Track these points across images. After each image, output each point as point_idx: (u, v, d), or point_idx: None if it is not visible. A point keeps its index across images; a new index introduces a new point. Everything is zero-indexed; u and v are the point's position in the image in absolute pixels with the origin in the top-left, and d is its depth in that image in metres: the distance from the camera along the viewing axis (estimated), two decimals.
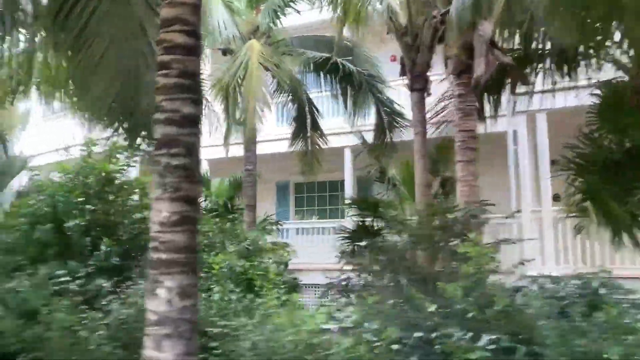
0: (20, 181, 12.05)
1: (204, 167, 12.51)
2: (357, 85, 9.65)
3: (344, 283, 7.79)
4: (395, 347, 3.47)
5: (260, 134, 11.01)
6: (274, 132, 12.91)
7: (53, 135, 15.36)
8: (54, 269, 5.67)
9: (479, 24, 5.30)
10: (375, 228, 10.53)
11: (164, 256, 2.79)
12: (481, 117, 6.18)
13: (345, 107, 10.13)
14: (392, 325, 3.80)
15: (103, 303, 4.91)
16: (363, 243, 10.67)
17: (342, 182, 15.10)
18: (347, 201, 11.92)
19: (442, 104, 9.31)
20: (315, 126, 12.04)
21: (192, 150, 2.88)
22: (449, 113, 9.56)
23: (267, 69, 9.38)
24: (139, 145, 5.33)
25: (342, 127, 13.74)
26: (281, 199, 16.21)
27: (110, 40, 4.16)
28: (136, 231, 6.57)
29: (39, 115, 14.12)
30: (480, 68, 5.30)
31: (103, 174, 6.51)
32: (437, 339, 3.73)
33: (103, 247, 6.15)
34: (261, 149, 11.77)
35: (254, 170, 10.72)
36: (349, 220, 13.44)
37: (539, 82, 7.07)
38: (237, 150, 11.22)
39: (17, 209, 6.58)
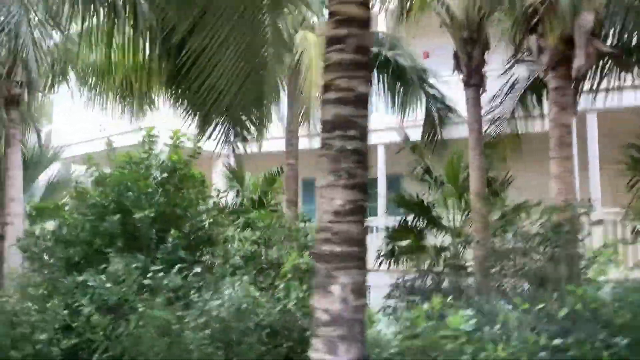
0: (51, 172, 11.76)
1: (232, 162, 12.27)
2: (407, 80, 9.39)
3: (408, 284, 7.57)
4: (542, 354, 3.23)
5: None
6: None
7: (84, 125, 15.03)
8: (125, 262, 5.41)
9: (580, 13, 5.07)
10: (419, 227, 10.34)
11: (337, 249, 2.52)
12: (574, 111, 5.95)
13: (393, 103, 9.85)
14: (523, 330, 3.57)
15: (194, 299, 4.61)
16: (404, 243, 10.53)
17: (373, 180, 14.89)
18: (388, 199, 11.70)
19: (498, 100, 9.07)
20: None
21: (364, 134, 2.62)
22: (502, 110, 9.37)
23: None
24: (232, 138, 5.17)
25: (374, 124, 13.55)
26: (307, 196, 15.93)
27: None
28: (200, 224, 6.31)
29: (66, 105, 13.81)
30: (580, 59, 5.07)
31: (168, 165, 6.24)
32: (572, 345, 3.51)
33: (170, 240, 5.89)
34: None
35: (296, 164, 10.45)
36: (382, 219, 13.26)
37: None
38: (268, 146, 10.96)
39: (76, 199, 6.30)
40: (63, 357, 4.62)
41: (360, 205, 2.58)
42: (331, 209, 2.55)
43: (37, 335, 4.60)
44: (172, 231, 5.91)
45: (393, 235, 10.51)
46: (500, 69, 8.84)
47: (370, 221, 14.02)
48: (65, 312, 5.01)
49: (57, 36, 8.91)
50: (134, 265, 5.08)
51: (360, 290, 2.53)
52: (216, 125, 5.68)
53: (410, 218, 10.28)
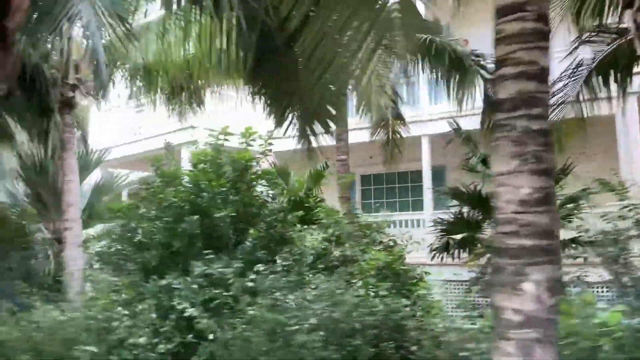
0: (96, 175, 11.65)
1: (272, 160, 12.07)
2: (464, 67, 9.07)
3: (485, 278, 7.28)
4: None
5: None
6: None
7: (113, 128, 14.99)
8: (210, 264, 5.22)
9: None
10: (475, 219, 10.01)
11: (527, 242, 2.26)
12: None
13: (448, 91, 9.53)
14: None
15: (289, 300, 4.39)
16: (459, 236, 10.21)
17: (414, 173, 14.59)
18: (436, 190, 11.40)
19: (561, 83, 8.69)
20: (398, 114, 11.57)
21: (547, 113, 2.36)
22: (566, 94, 8.99)
23: None
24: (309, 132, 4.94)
25: (417, 115, 13.25)
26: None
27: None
28: (274, 223, 6.10)
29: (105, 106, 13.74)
30: None
31: (242, 163, 6.03)
32: None
33: (249, 240, 5.69)
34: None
35: (347, 160, 10.21)
36: (429, 213, 12.95)
37: None
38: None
39: (147, 201, 6.12)
40: None
41: (549, 192, 2.31)
42: (517, 198, 2.29)
43: (132, 339, 4.43)
44: (252, 230, 5.71)
45: (447, 228, 10.20)
46: (562, 52, 8.50)
47: (416, 215, 13.77)
48: (153, 315, 4.84)
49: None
50: (233, 267, 4.87)
51: (554, 288, 2.26)
52: (292, 119, 5.47)
53: (465, 210, 9.96)
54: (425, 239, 9.49)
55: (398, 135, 11.65)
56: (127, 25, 5.87)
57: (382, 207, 15.61)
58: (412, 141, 12.47)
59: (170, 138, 13.13)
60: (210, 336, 4.09)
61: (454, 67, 9.18)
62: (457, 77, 9.28)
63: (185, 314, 4.35)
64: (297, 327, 3.79)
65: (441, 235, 9.98)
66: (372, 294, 5.04)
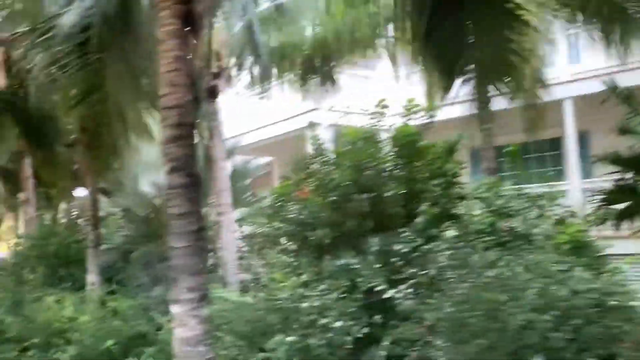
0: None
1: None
2: (627, 17, 8.01)
3: None
4: None
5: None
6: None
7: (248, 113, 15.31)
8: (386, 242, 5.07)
9: None
10: None
11: None
12: None
13: (607, 45, 8.50)
14: None
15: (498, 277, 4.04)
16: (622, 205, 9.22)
17: (552, 140, 13.47)
18: (596, 158, 10.39)
19: None
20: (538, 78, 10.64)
21: None
22: None
23: None
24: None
25: (558, 76, 12.13)
26: (475, 165, 14.94)
27: None
28: (440, 198, 5.78)
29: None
30: None
31: (403, 137, 5.77)
32: None
33: (419, 218, 5.43)
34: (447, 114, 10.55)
35: (491, 130, 9.56)
36: (577, 181, 11.91)
37: None
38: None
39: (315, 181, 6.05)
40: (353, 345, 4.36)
41: None
42: None
43: (323, 320, 4.39)
44: (423, 207, 5.46)
45: (608, 197, 9.24)
46: None
47: (560, 185, 12.71)
48: (336, 296, 4.77)
49: None
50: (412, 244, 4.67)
51: None
52: (463, 82, 5.08)
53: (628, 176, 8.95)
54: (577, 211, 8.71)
55: (539, 100, 10.77)
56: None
57: (543, 175, 14.35)
58: (555, 105, 11.46)
59: (297, 123, 13.26)
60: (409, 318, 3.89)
61: (614, 18, 8.15)
62: (619, 28, 8.23)
63: (379, 294, 4.19)
64: (516, 307, 3.46)
65: (602, 205, 9.11)
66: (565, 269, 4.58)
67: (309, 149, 6.74)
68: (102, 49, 5.25)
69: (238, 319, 4.83)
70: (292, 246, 5.86)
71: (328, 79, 9.29)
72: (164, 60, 3.86)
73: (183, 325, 3.67)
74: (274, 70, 9.86)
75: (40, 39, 5.30)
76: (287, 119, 13.69)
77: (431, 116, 6.00)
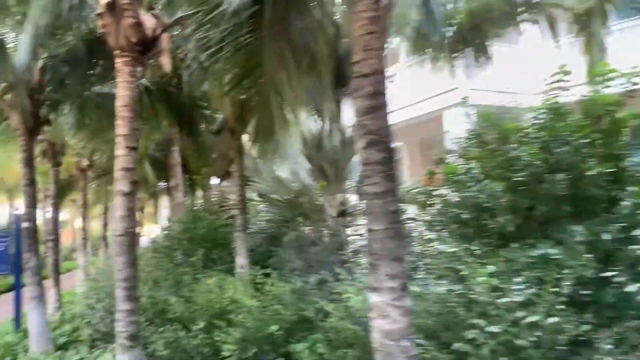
0: None
1: None
2: None
3: None
4: None
5: None
6: None
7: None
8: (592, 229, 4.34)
9: None
10: None
11: None
12: None
13: None
14: None
15: None
16: None
17: None
18: None
19: None
20: None
21: None
22: None
23: None
24: None
25: None
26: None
27: None
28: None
29: None
30: None
31: (604, 107, 4.93)
32: None
33: (625, 201, 4.60)
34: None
35: None
36: None
37: None
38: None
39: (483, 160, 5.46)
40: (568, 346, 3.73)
41: None
42: None
43: (531, 318, 3.81)
44: (630, 189, 4.62)
45: None
46: None
47: None
48: (533, 290, 4.14)
49: None
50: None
51: None
52: None
53: None
54: None
55: None
56: None
57: None
58: None
59: (434, 104, 12.56)
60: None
61: None
62: None
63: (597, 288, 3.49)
64: None
65: None
66: None
67: (461, 128, 6.14)
68: (271, 23, 5.04)
69: (419, 312, 4.40)
70: (465, 233, 5.30)
71: (482, 52, 8.50)
72: (358, 23, 3.48)
73: (384, 316, 3.30)
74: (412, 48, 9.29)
75: (207, 17, 5.19)
76: (418, 102, 13.05)
77: (633, 83, 5.08)
